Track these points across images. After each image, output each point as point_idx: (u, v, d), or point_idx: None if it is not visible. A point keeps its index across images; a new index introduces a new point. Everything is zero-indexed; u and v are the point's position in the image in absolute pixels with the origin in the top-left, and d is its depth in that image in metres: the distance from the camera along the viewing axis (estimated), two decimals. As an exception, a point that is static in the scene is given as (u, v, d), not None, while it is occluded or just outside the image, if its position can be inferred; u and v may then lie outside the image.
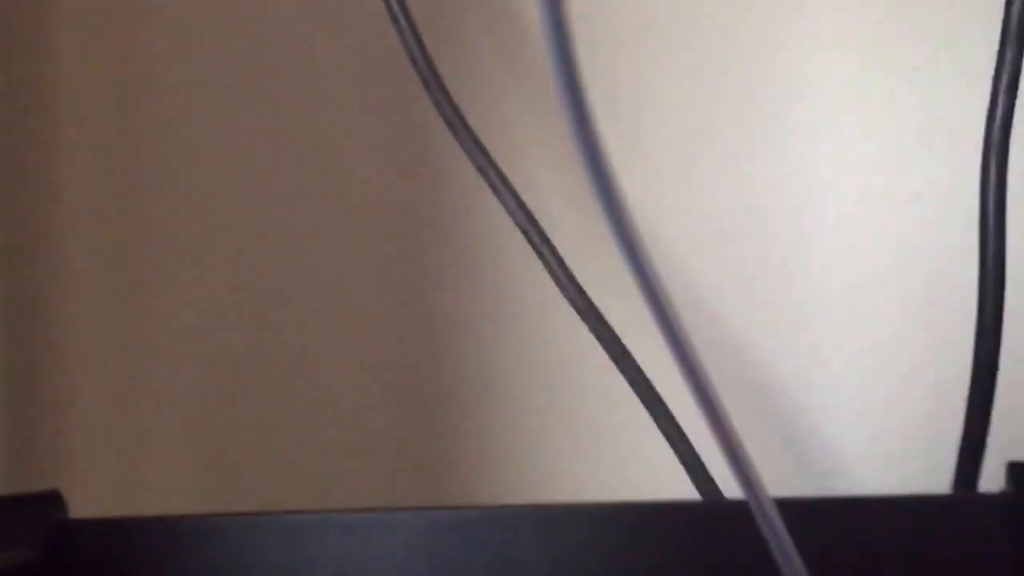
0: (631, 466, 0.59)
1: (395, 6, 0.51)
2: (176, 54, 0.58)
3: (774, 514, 0.37)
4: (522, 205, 0.52)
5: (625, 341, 0.52)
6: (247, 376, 0.59)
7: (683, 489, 0.52)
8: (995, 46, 0.51)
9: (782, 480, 0.58)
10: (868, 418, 0.59)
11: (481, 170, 0.52)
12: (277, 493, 0.59)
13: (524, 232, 0.52)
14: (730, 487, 0.52)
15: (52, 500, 0.47)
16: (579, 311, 0.52)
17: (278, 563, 0.46)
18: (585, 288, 0.52)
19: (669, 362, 0.58)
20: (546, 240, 0.52)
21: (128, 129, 0.58)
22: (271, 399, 0.59)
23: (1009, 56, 0.51)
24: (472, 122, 0.52)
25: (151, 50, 0.58)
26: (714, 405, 0.31)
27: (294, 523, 0.47)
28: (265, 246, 0.58)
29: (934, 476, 0.57)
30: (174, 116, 0.58)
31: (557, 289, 0.52)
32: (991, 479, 0.50)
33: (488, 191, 0.52)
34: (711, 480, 0.52)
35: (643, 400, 0.52)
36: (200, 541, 0.46)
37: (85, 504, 0.57)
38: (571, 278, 0.52)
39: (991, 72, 0.51)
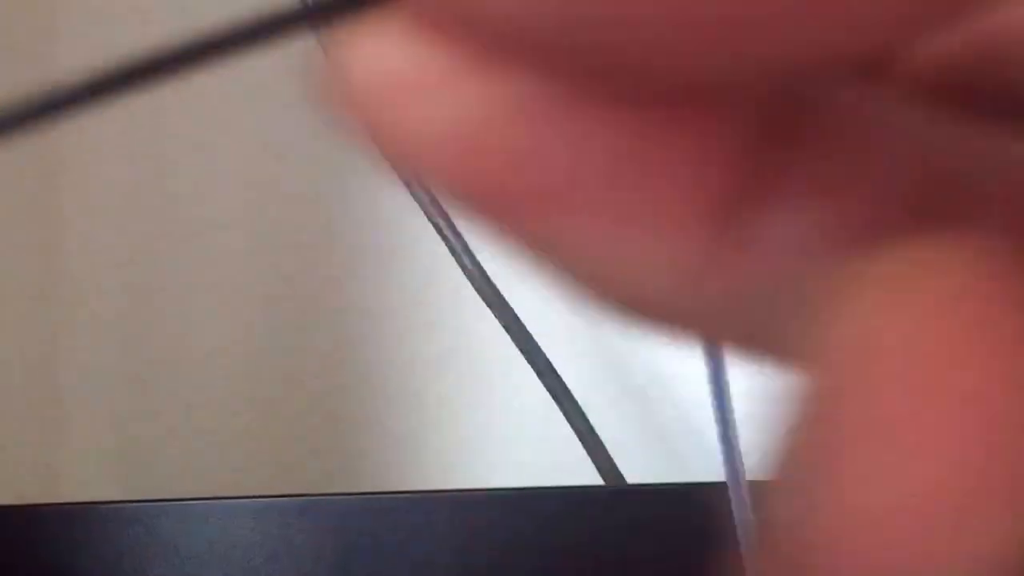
0: (537, 452, 0.59)
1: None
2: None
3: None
4: (435, 200, 0.51)
5: (532, 331, 0.52)
6: (158, 367, 0.58)
7: (588, 475, 0.53)
8: None
9: (680, 467, 0.59)
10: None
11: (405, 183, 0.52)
12: (189, 481, 0.58)
13: (436, 226, 0.52)
14: (631, 473, 0.53)
15: (-34, 487, 0.46)
16: (488, 303, 0.52)
17: (190, 548, 0.46)
18: (494, 280, 0.52)
19: (574, 351, 0.59)
20: (458, 234, 0.52)
21: (49, 144, 0.57)
22: (182, 389, 0.59)
23: None
24: None
25: (65, 66, 0.57)
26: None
27: (206, 509, 0.47)
28: (181, 240, 0.58)
29: None
30: (96, 131, 0.57)
31: (466, 280, 0.52)
32: None
33: (402, 186, 0.51)
34: (614, 466, 0.53)
35: (549, 389, 0.52)
36: (113, 527, 0.46)
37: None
38: (481, 271, 0.52)
39: None
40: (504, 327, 0.52)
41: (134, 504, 0.47)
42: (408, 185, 0.52)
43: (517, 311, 0.53)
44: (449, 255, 0.52)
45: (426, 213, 0.52)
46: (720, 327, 0.13)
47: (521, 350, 0.53)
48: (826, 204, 0.11)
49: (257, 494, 0.56)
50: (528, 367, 0.52)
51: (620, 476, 0.53)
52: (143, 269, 0.59)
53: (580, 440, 0.53)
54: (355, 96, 0.11)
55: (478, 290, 0.52)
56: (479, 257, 0.52)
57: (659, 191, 0.11)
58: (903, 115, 0.12)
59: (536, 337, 0.53)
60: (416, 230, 0.57)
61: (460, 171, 0.11)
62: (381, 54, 0.11)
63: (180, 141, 0.58)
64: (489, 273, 0.52)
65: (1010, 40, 0.12)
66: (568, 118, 0.11)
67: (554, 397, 0.53)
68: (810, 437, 0.10)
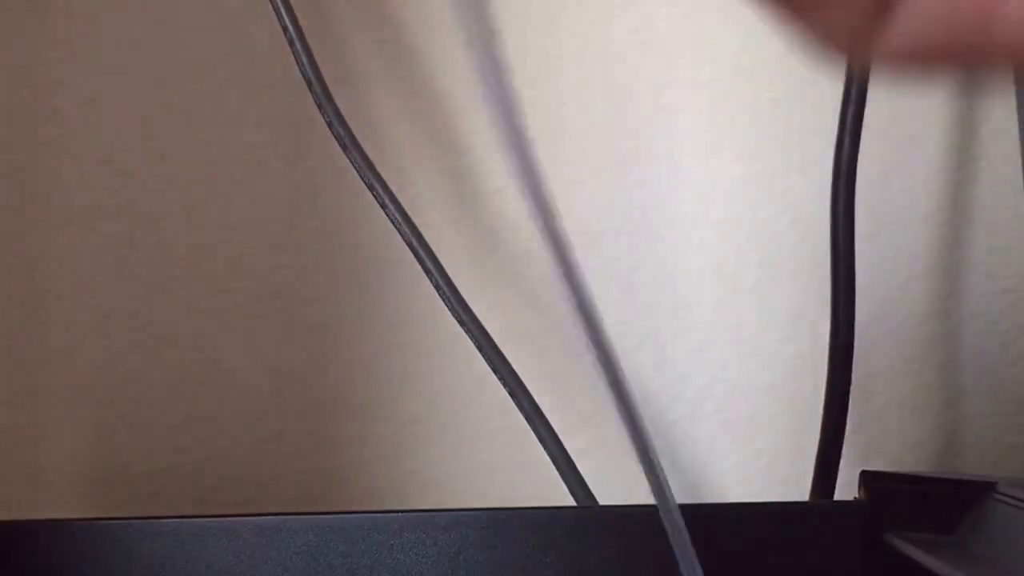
0: (509, 472, 0.58)
1: (291, 31, 0.51)
2: (72, 68, 0.57)
3: (679, 518, 0.37)
4: (408, 220, 0.52)
5: (504, 351, 0.52)
6: (139, 384, 0.57)
7: (559, 495, 0.52)
8: (842, 80, 0.52)
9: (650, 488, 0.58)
10: (732, 430, 0.59)
11: (370, 187, 0.52)
12: (164, 499, 0.58)
13: (410, 246, 0.52)
14: (601, 493, 0.53)
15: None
16: (461, 322, 0.52)
17: (166, 566, 0.45)
18: (467, 300, 0.52)
19: (545, 372, 0.58)
20: (431, 254, 0.52)
21: (23, 143, 0.57)
22: (161, 407, 0.58)
23: (855, 91, 0.52)
24: (362, 141, 0.52)
25: (46, 64, 0.56)
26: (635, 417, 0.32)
27: (183, 528, 0.46)
28: (159, 256, 0.57)
29: (793, 485, 0.58)
30: (71, 129, 0.57)
31: (440, 301, 0.52)
32: (845, 487, 0.51)
33: (376, 207, 0.52)
34: (585, 486, 0.52)
35: (521, 408, 0.52)
36: (90, 545, 0.45)
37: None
38: (454, 290, 0.52)
39: (840, 104, 0.52)
40: (477, 348, 0.52)
41: (110, 521, 0.46)
42: (385, 208, 0.52)
43: (490, 332, 0.52)
44: (424, 277, 0.52)
45: (403, 236, 0.52)
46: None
47: (494, 371, 0.52)
48: None
49: (232, 512, 0.55)
50: (501, 388, 0.52)
51: (591, 496, 0.52)
52: (121, 289, 0.57)
53: (552, 460, 0.52)
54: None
55: (452, 311, 0.52)
56: (453, 279, 0.52)
57: None
58: None
59: (508, 358, 0.52)
60: (393, 252, 0.57)
61: None
62: None
63: (162, 163, 0.57)
64: (463, 295, 0.52)
65: None
66: None
67: (526, 418, 0.52)
68: None
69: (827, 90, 0.58)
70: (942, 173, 0.59)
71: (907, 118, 0.59)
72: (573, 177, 0.58)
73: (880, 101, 0.58)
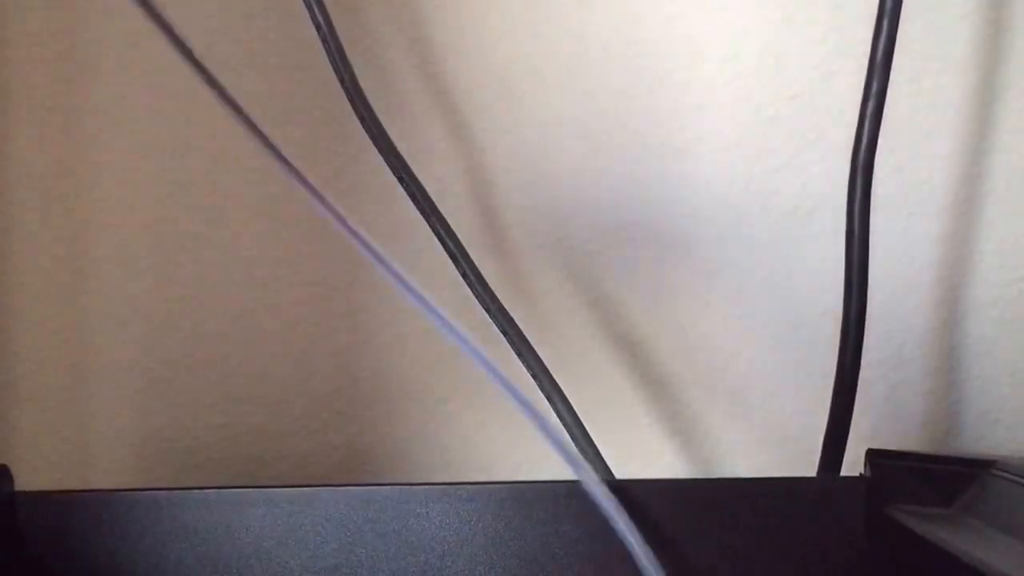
0: (531, 449, 0.59)
1: (324, 28, 0.51)
2: (112, 62, 0.57)
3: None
4: (436, 210, 0.52)
5: (528, 335, 0.53)
6: (180, 364, 0.58)
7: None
8: (862, 77, 0.51)
9: (667, 465, 0.59)
10: (745, 410, 0.59)
11: (399, 178, 0.52)
12: (206, 471, 0.58)
13: (438, 235, 0.52)
14: (620, 468, 0.53)
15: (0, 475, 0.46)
16: (487, 308, 0.52)
17: (208, 533, 0.46)
18: (492, 287, 0.53)
19: (564, 354, 0.58)
20: (458, 243, 0.52)
21: (68, 137, 0.57)
22: (200, 387, 0.58)
23: (875, 86, 0.52)
24: (391, 133, 0.52)
25: (88, 61, 0.57)
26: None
27: (223, 497, 0.47)
28: (200, 244, 0.58)
29: (802, 462, 0.58)
30: (112, 122, 0.57)
31: (466, 287, 0.52)
32: (852, 464, 0.51)
33: (405, 197, 0.52)
34: (603, 461, 0.53)
35: (542, 389, 0.52)
36: (136, 512, 0.46)
37: (27, 479, 0.56)
38: (480, 278, 0.52)
39: (858, 100, 0.52)
40: (501, 331, 0.52)
41: (156, 491, 0.47)
42: (414, 199, 0.52)
43: (513, 316, 0.53)
44: (450, 263, 0.52)
45: (431, 225, 0.52)
46: None
47: (517, 353, 0.52)
48: None
49: (269, 484, 0.55)
50: (524, 369, 0.52)
51: (608, 471, 0.53)
52: (163, 275, 0.58)
53: (571, 437, 0.52)
54: None
55: (477, 296, 0.53)
56: (478, 265, 0.53)
57: None
58: None
59: (531, 341, 0.53)
60: (421, 241, 0.57)
61: None
62: None
63: (198, 154, 0.58)
64: (487, 280, 0.53)
65: None
66: None
67: (547, 398, 0.53)
68: None
69: (846, 86, 0.58)
70: (957, 167, 0.59)
71: (924, 115, 0.59)
72: (597, 168, 0.58)
73: (898, 99, 0.58)
